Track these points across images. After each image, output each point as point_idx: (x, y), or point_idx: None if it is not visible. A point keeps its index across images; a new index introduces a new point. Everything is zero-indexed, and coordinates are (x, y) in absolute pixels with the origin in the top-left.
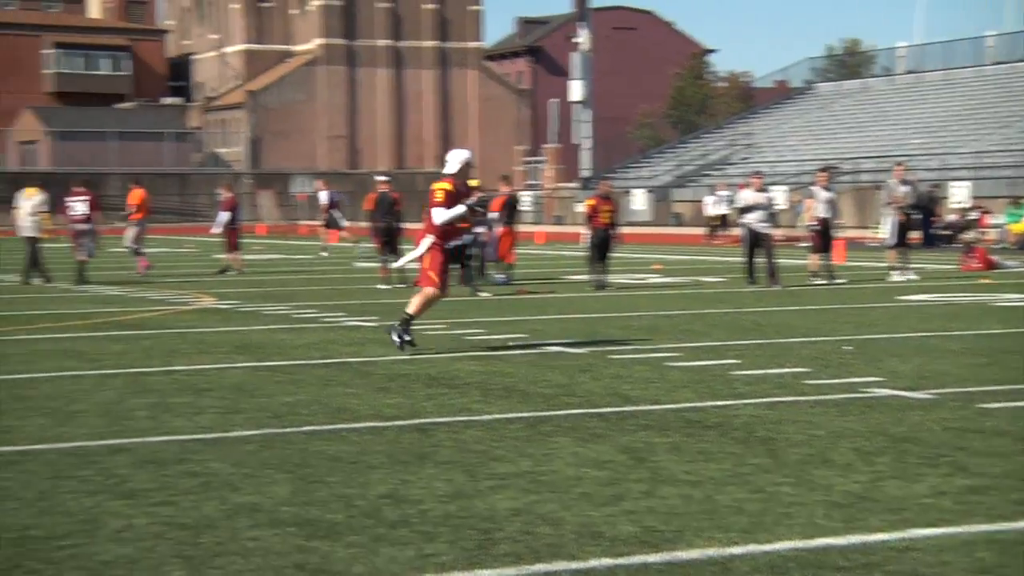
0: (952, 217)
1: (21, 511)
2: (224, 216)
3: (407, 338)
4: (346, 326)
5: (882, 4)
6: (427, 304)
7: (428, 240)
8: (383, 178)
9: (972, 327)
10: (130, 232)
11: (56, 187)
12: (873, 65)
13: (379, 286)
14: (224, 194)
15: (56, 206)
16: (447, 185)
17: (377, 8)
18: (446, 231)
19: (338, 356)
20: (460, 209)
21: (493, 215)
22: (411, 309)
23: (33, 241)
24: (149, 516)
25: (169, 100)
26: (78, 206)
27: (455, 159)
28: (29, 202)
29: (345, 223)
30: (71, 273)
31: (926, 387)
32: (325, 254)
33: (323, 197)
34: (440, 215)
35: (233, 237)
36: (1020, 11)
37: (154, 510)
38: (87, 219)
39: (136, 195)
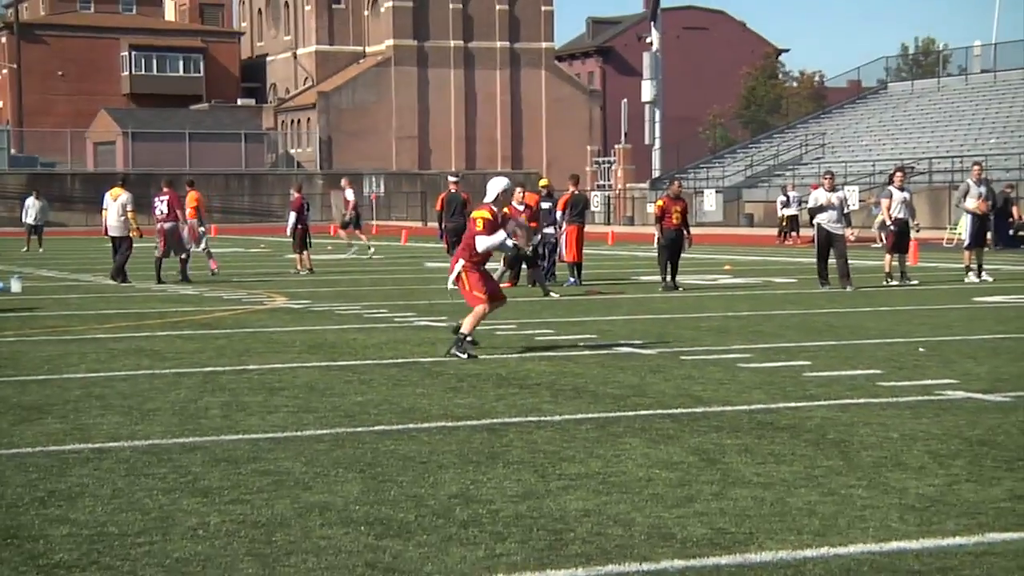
0: None
1: (97, 508)
2: (291, 216)
3: (471, 352)
4: (416, 326)
5: (958, 3)
6: (479, 320)
7: (460, 264)
8: (453, 178)
9: None
10: (185, 233)
11: (131, 187)
12: (948, 64)
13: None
14: (293, 194)
15: (142, 206)
16: (486, 213)
17: (448, 9)
18: (480, 254)
19: (409, 356)
20: (500, 236)
21: (558, 214)
22: (465, 328)
23: (119, 241)
24: (222, 514)
25: (242, 101)
26: (160, 205)
27: (493, 188)
28: (116, 203)
29: (359, 224)
30: (157, 272)
31: (1002, 389)
32: (372, 250)
33: (350, 195)
34: (483, 242)
35: (299, 237)
36: None
37: (227, 508)
38: (167, 218)
39: (192, 197)
